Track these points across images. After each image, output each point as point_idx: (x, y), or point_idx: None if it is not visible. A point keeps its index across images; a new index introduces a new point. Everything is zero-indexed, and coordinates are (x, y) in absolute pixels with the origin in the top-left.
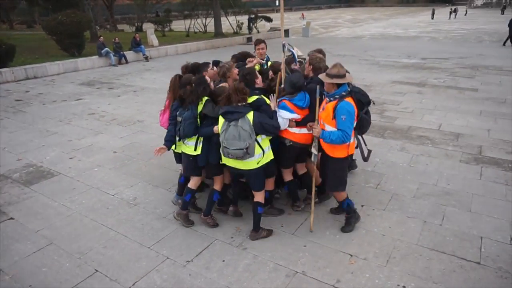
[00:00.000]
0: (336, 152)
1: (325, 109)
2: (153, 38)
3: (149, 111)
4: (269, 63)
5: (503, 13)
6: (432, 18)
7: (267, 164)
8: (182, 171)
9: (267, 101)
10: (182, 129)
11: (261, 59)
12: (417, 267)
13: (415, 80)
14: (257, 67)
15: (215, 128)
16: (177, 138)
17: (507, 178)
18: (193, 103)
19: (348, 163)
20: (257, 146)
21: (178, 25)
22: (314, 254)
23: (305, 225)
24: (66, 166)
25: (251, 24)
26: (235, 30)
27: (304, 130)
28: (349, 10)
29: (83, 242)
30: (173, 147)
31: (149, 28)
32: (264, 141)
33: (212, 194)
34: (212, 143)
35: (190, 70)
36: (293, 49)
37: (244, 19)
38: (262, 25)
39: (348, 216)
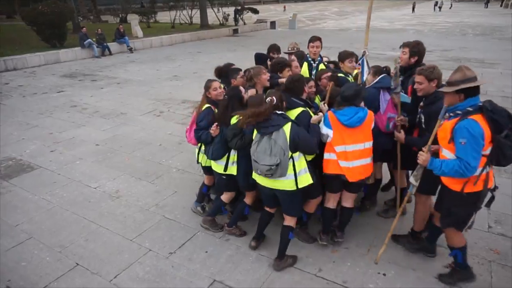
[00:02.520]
0: (452, 183)
1: (443, 128)
2: (137, 30)
3: (133, 104)
4: (321, 66)
5: (486, 7)
6: (413, 12)
7: (304, 188)
8: (206, 181)
9: (312, 115)
10: (211, 152)
11: (312, 59)
12: (398, 255)
13: None
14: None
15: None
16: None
17: None
18: (225, 124)
19: (478, 201)
20: (290, 165)
21: (163, 17)
22: (297, 244)
23: None
24: (47, 159)
25: (238, 16)
26: (221, 22)
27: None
28: (335, 3)
29: (64, 236)
30: (201, 159)
31: (133, 19)
32: (301, 161)
33: (242, 208)
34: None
35: (220, 72)
36: (367, 65)
37: (230, 10)
38: (249, 17)
39: (454, 268)
